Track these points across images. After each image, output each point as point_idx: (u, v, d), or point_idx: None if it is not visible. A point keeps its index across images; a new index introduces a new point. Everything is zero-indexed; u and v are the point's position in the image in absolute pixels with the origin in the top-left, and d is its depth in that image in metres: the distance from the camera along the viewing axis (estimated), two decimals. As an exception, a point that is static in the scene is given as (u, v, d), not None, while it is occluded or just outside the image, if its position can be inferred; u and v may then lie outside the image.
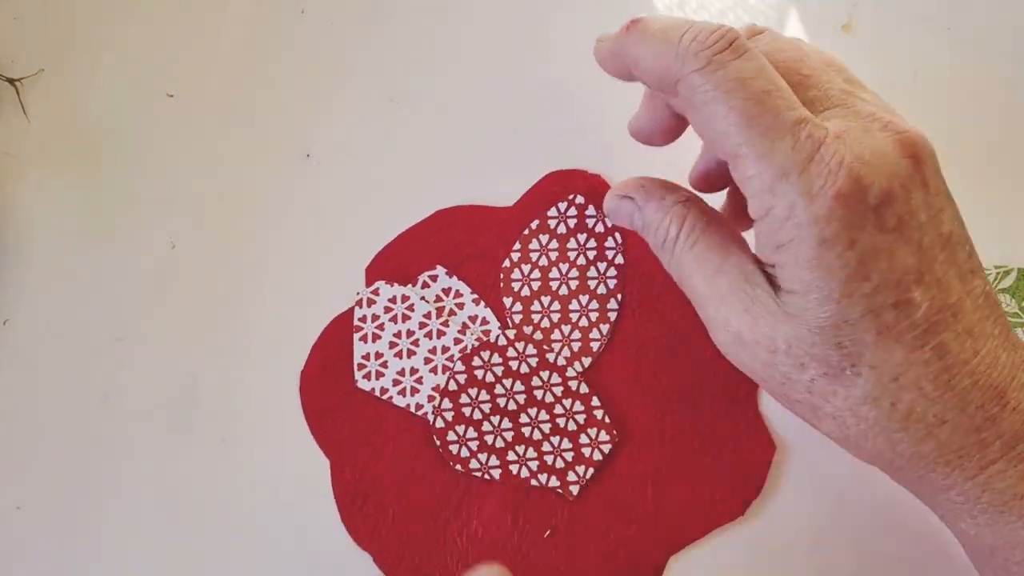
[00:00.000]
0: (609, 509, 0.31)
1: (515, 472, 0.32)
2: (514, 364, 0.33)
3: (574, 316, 0.33)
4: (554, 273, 0.33)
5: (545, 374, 0.32)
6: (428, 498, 0.32)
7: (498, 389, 0.32)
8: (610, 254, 0.33)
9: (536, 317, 0.33)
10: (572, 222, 0.34)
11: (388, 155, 0.35)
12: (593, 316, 0.33)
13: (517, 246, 0.34)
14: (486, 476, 0.32)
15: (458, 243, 0.34)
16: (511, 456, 0.32)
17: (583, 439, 0.32)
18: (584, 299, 0.33)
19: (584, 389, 0.32)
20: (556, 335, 0.33)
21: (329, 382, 0.33)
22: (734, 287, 0.25)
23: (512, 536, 0.31)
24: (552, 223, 0.34)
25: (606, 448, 0.32)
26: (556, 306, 0.33)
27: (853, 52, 0.34)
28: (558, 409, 0.32)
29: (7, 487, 0.33)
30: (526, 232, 0.34)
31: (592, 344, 0.33)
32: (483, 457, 0.32)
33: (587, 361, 0.32)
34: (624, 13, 0.36)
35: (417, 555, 0.31)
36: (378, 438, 0.32)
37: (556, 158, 0.34)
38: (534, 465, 0.32)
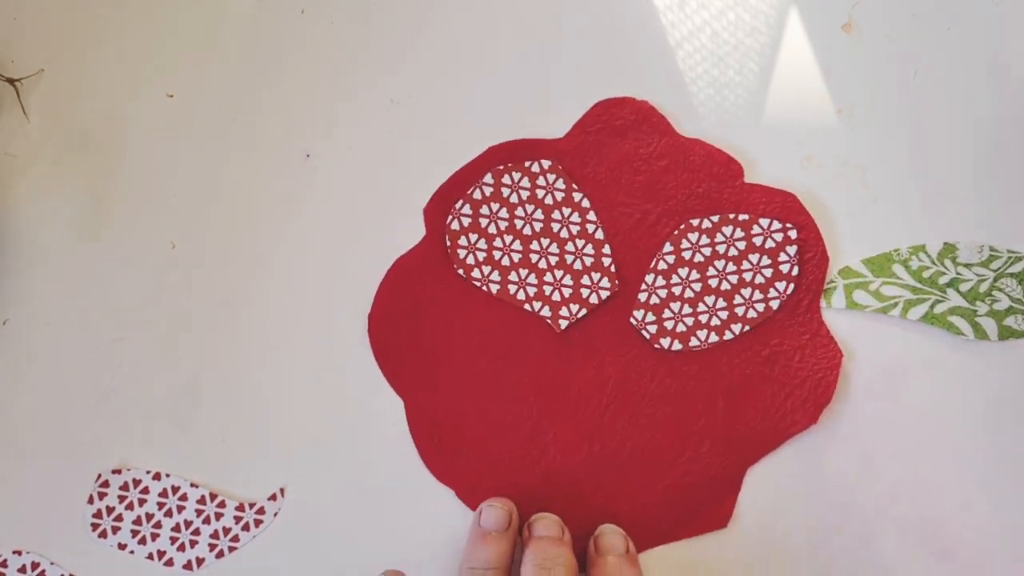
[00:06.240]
0: (682, 428, 0.32)
1: (512, 292, 0.32)
2: (540, 192, 0.33)
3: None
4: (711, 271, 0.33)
5: (567, 211, 0.33)
6: (501, 428, 0.32)
7: (518, 211, 0.33)
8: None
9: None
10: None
11: (388, 155, 0.35)
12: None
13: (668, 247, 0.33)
14: (484, 288, 0.33)
15: None
16: (512, 276, 0.33)
17: (584, 280, 0.32)
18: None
19: (600, 235, 0.33)
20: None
21: (390, 331, 0.33)
22: None
23: (588, 463, 0.32)
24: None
25: (604, 294, 0.32)
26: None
27: (853, 52, 0.34)
28: (569, 247, 0.33)
29: (8, 487, 0.33)
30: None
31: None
32: (487, 269, 0.33)
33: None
34: (624, 12, 0.36)
35: (497, 485, 0.32)
36: (447, 375, 0.33)
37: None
38: (532, 291, 0.32)
